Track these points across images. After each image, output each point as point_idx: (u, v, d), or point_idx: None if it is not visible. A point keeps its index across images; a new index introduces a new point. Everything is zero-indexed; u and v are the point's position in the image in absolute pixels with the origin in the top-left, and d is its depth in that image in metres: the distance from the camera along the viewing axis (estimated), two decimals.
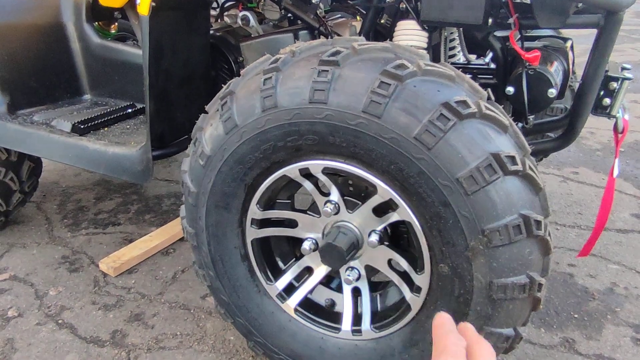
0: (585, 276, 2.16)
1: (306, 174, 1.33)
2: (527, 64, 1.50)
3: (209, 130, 1.35)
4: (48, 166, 3.13)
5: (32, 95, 2.20)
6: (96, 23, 2.29)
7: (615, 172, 1.57)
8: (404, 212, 1.22)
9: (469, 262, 1.17)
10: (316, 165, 1.28)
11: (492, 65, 1.82)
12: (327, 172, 1.30)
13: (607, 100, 1.54)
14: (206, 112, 1.42)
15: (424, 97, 1.12)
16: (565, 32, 2.03)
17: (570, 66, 1.71)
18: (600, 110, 1.56)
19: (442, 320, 0.69)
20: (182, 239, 2.46)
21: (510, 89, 1.54)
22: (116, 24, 2.54)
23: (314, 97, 1.18)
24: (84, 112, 2.15)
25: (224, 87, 1.37)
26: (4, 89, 2.09)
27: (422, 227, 1.21)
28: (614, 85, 1.53)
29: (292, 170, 1.32)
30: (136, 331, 1.89)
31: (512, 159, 1.12)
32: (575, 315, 1.94)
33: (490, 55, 1.87)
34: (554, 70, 1.55)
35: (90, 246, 2.44)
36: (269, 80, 1.24)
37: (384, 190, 1.22)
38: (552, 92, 1.50)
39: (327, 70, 1.18)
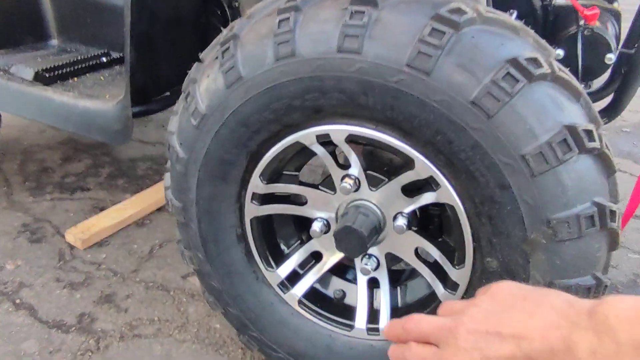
0: None
1: (323, 141, 1.10)
2: (584, 23, 1.27)
3: (205, 83, 1.10)
4: (8, 121, 2.81)
5: None
6: None
7: None
8: (446, 194, 1.00)
9: (526, 257, 0.96)
10: (340, 131, 1.04)
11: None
12: (350, 140, 1.07)
13: None
14: (200, 61, 1.16)
15: (486, 51, 0.89)
16: None
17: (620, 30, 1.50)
18: None
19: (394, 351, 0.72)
20: (160, 209, 2.21)
21: (559, 52, 1.32)
22: None
23: (344, 45, 0.93)
24: (50, 59, 1.89)
25: (226, 29, 1.12)
26: None
27: (467, 212, 1.00)
28: None
29: (308, 136, 1.07)
30: (107, 315, 1.65)
31: (590, 133, 0.90)
32: None
33: (514, 13, 1.64)
34: (611, 33, 1.34)
35: (55, 213, 2.18)
36: (286, 22, 0.99)
37: (424, 166, 0.99)
38: (610, 57, 1.30)
39: (363, 12, 0.93)
